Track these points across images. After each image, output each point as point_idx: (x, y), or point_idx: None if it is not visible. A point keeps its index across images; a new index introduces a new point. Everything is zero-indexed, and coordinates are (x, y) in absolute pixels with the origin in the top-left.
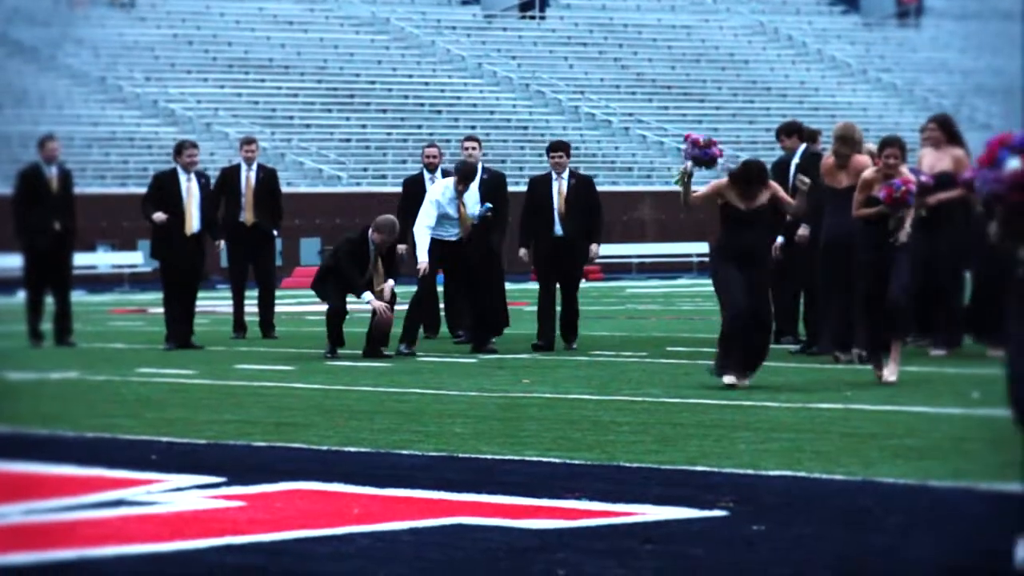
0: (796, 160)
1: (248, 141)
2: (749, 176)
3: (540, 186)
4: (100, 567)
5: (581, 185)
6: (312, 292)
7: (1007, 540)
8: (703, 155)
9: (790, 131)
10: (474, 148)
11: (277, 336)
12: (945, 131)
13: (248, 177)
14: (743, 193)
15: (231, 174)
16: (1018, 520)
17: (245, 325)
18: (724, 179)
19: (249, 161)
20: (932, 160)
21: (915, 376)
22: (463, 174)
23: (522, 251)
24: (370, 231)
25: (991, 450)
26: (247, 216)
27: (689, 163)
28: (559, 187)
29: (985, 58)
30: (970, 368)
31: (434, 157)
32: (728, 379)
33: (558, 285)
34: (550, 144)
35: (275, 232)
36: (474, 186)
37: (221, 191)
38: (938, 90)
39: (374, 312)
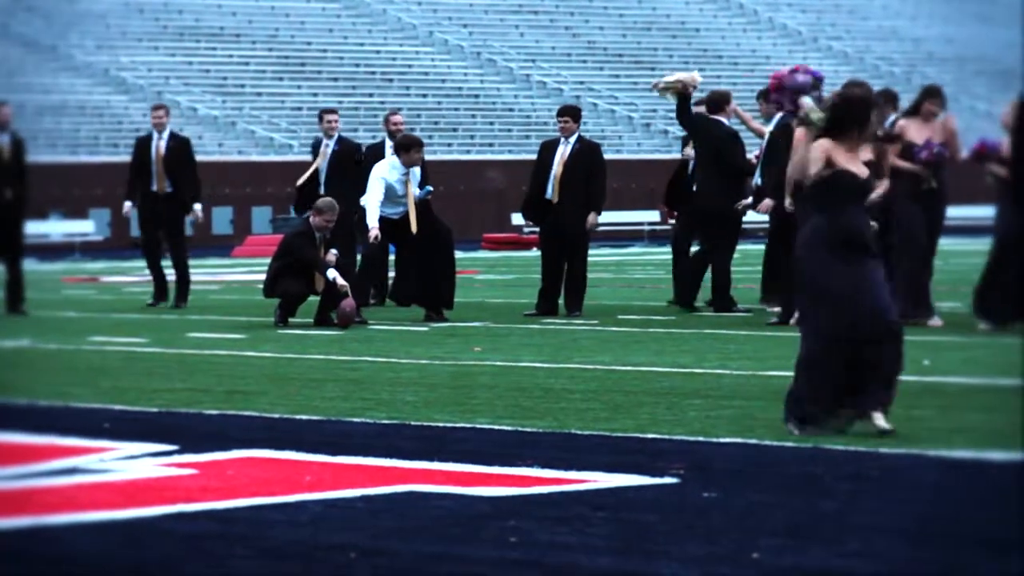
0: (771, 128)
1: (156, 107)
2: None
3: (545, 150)
4: (53, 535)
5: (585, 151)
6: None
7: (956, 507)
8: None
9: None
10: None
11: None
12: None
13: (159, 146)
14: (853, 148)
15: (143, 142)
16: (967, 488)
17: (165, 294)
18: (820, 139)
19: (159, 128)
20: (924, 129)
21: None
22: (404, 146)
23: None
24: (311, 217)
25: (941, 417)
26: (158, 185)
27: (806, 102)
28: (562, 152)
29: (936, 26)
30: (921, 335)
31: (399, 124)
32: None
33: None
34: (558, 109)
35: (194, 203)
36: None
37: (136, 159)
38: (889, 58)
39: (336, 291)
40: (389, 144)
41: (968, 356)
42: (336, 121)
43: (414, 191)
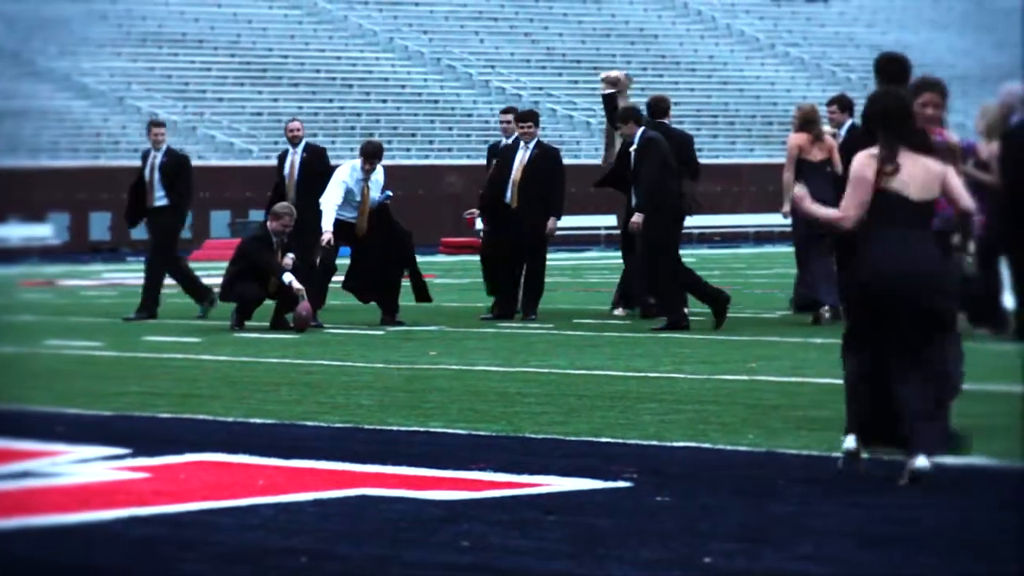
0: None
1: (156, 124)
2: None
3: (502, 154)
4: (5, 538)
5: (543, 157)
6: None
7: (910, 510)
8: None
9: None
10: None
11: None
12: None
13: (153, 163)
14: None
15: (145, 157)
16: (918, 490)
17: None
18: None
19: (157, 146)
20: None
21: (819, 347)
22: (368, 153)
23: (469, 213)
24: (268, 221)
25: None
26: (148, 199)
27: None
28: (521, 157)
29: (892, 32)
30: None
31: (295, 131)
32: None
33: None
34: (518, 114)
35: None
36: (380, 168)
37: (137, 178)
38: (846, 64)
39: (292, 295)
40: (292, 150)
41: None
42: (300, 129)
43: (374, 196)
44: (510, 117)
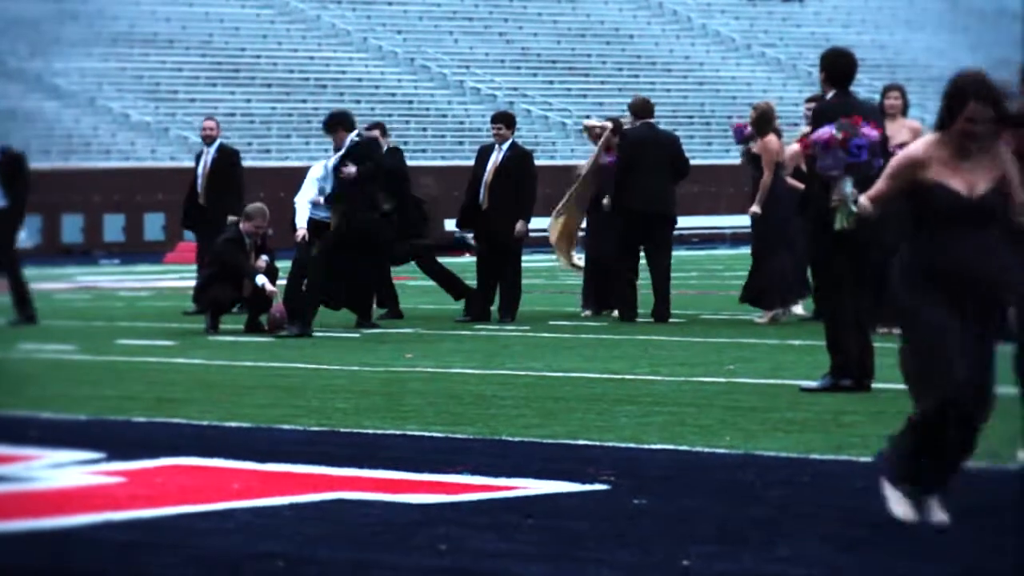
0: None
1: (208, 119)
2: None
3: (481, 156)
4: None
5: (515, 159)
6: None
7: (887, 513)
8: (855, 157)
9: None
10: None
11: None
12: (903, 102)
13: (206, 159)
14: (963, 156)
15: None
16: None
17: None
18: (925, 138)
19: (208, 141)
20: (890, 131)
21: (797, 349)
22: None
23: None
24: (241, 223)
25: (871, 423)
26: (202, 197)
27: (846, 185)
28: (495, 159)
29: (868, 33)
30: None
31: (209, 130)
32: (904, 511)
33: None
34: (492, 115)
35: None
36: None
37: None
38: None
39: (264, 297)
40: (206, 148)
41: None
42: (214, 129)
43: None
44: (500, 125)
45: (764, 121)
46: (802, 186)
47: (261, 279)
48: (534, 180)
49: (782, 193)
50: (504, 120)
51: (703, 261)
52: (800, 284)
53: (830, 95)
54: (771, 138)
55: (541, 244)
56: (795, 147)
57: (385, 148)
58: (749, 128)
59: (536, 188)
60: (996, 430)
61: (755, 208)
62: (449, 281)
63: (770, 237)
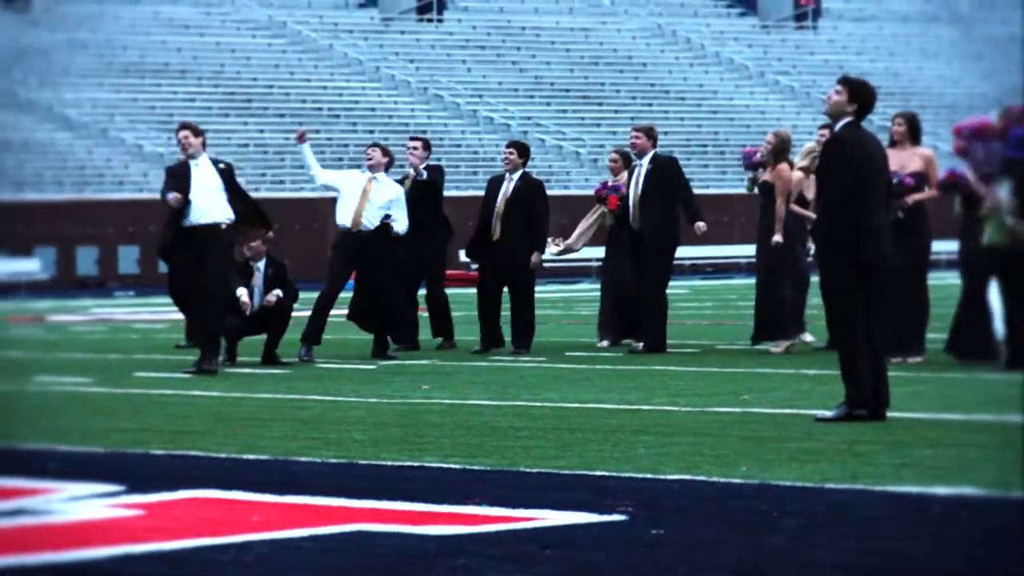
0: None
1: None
2: None
3: (491, 186)
4: None
5: (526, 189)
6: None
7: (903, 542)
8: (1016, 151)
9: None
10: (414, 149)
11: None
12: (912, 129)
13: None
14: None
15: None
16: (914, 523)
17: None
18: None
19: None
20: (901, 159)
21: (812, 378)
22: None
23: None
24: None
25: (887, 452)
26: None
27: (1002, 188)
28: (505, 189)
29: (882, 61)
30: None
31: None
32: None
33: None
34: (508, 142)
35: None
36: (383, 189)
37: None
38: None
39: (276, 326)
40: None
41: (914, 391)
42: (188, 138)
43: (377, 207)
44: (512, 150)
45: (782, 149)
46: (808, 214)
47: (241, 291)
48: (547, 211)
49: (788, 221)
50: (518, 147)
51: (718, 290)
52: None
53: (846, 121)
54: (784, 166)
55: (556, 274)
56: (797, 174)
57: (424, 164)
58: (758, 155)
59: (549, 218)
60: (1000, 458)
61: (777, 238)
62: (444, 318)
63: (777, 266)
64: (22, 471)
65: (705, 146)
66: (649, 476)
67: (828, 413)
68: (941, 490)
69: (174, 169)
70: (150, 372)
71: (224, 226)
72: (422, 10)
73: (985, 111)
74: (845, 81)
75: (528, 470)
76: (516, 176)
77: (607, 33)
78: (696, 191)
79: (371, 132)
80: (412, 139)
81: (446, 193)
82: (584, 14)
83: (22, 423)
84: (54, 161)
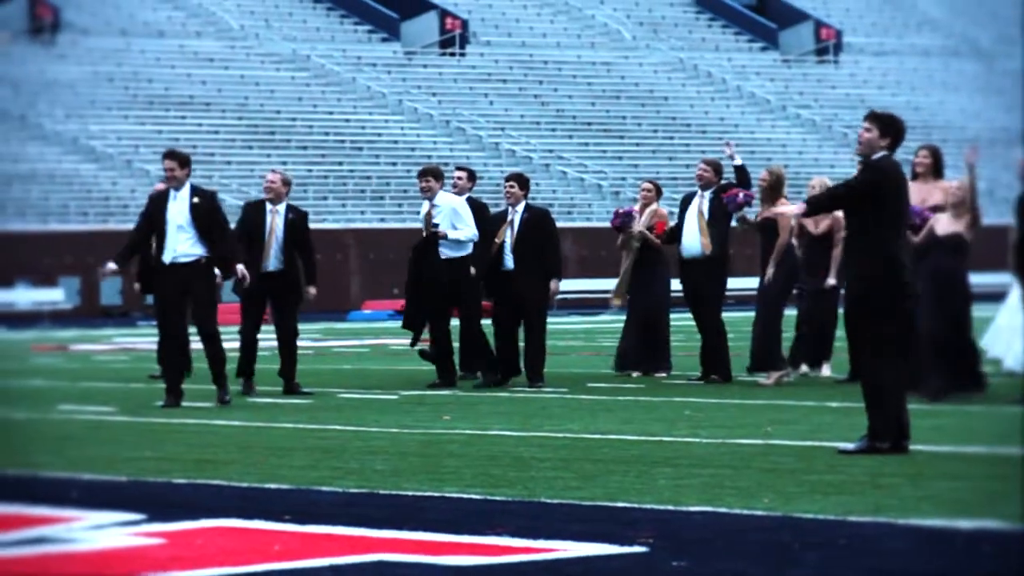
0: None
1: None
2: None
3: (496, 222)
4: None
5: (534, 219)
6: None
7: (926, 575)
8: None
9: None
10: (459, 179)
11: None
12: (936, 163)
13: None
14: None
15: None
16: (936, 556)
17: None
18: None
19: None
20: (923, 193)
21: (834, 411)
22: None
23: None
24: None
25: (910, 485)
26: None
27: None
28: (512, 221)
29: (903, 94)
30: None
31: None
32: None
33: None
34: (507, 175)
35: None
36: (444, 212)
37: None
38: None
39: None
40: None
41: (936, 424)
42: (173, 170)
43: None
44: (513, 183)
45: (776, 185)
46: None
47: (239, 267)
48: (557, 239)
49: (790, 255)
50: (518, 180)
51: (739, 323)
52: (818, 344)
53: (882, 155)
54: (784, 201)
55: (576, 305)
56: (794, 209)
57: (466, 196)
58: (741, 195)
59: (560, 245)
60: (1006, 490)
61: (770, 271)
62: (479, 351)
63: (777, 299)
64: (45, 499)
65: (728, 180)
66: (671, 508)
67: (850, 446)
68: (964, 523)
69: (152, 196)
70: None
71: (203, 260)
72: (445, 44)
73: (1008, 145)
74: (874, 117)
75: (549, 501)
76: (520, 208)
77: (629, 67)
78: None
79: (393, 164)
80: (459, 168)
81: None
82: (606, 48)
83: (45, 451)
84: (79, 192)
